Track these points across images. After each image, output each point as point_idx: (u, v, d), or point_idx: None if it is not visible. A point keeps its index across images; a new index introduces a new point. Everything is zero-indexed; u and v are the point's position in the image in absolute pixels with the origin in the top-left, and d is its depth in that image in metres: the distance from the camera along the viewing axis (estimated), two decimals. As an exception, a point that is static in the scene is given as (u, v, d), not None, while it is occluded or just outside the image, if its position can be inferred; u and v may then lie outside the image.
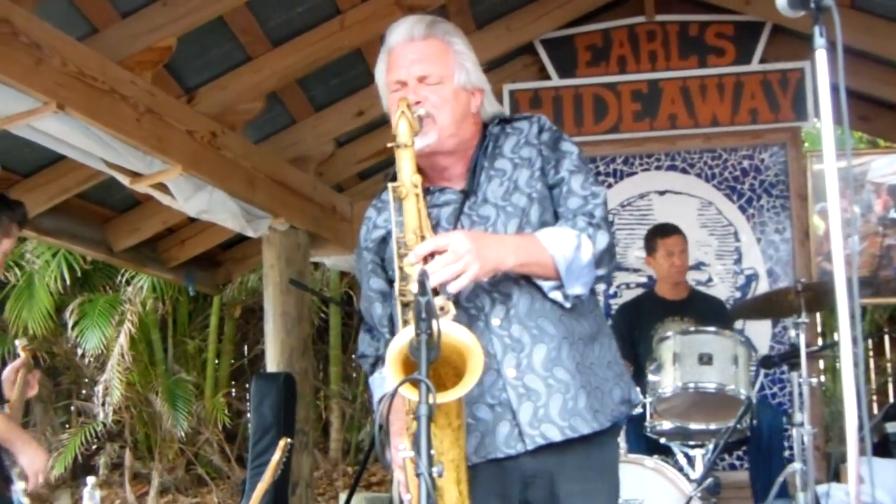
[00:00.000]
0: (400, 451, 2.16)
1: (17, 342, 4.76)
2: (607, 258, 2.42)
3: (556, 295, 2.38)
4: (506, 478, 2.39)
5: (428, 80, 2.43)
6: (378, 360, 2.59)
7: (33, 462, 3.74)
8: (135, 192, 5.38)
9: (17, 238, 4.08)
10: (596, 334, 2.49)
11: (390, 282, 2.51)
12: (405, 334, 2.10)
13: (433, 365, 2.01)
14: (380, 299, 2.58)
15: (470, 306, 2.37)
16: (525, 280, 2.38)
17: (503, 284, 2.37)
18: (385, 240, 2.53)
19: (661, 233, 5.64)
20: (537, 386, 2.35)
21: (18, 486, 3.74)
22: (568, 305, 2.39)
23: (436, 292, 2.14)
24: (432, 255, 2.18)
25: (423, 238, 2.24)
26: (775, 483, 4.61)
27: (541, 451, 2.35)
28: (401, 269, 2.26)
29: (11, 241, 3.97)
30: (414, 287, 2.09)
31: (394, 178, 2.46)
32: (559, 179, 2.47)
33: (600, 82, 6.75)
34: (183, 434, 9.55)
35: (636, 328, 5.49)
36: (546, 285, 2.37)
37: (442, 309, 2.17)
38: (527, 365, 2.36)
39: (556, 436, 2.34)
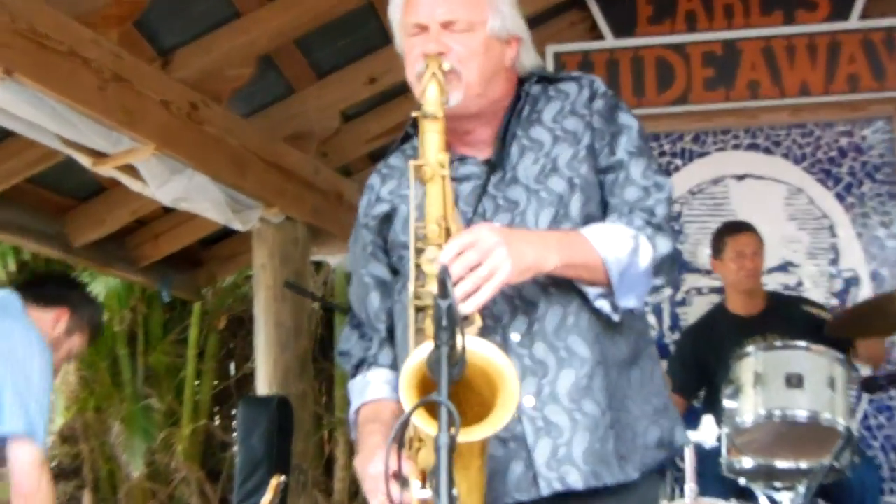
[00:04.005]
0: (416, 492, 2.09)
1: None
2: (668, 266, 2.38)
3: (604, 304, 2.32)
4: None
5: (455, 27, 2.36)
6: (364, 362, 2.56)
7: None
8: (98, 177, 5.41)
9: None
10: (635, 357, 2.44)
11: (393, 269, 2.50)
12: (423, 350, 2.02)
13: (455, 388, 1.94)
14: (378, 288, 2.54)
15: (485, 314, 2.20)
16: (554, 287, 2.32)
17: (527, 290, 2.30)
18: (389, 217, 2.50)
19: (730, 230, 5.62)
20: (560, 420, 2.29)
21: None
22: (616, 318, 2.34)
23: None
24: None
25: (447, 231, 2.18)
26: None
27: (559, 499, 2.28)
28: (417, 266, 2.19)
29: (82, 339, 4.36)
30: (433, 288, 2.04)
31: (405, 139, 2.54)
32: (615, 162, 2.41)
33: (665, 43, 6.73)
34: (148, 472, 9.58)
35: (710, 355, 5.43)
36: (592, 292, 2.32)
37: (466, 319, 2.10)
38: (549, 393, 2.29)
39: (576, 482, 2.27)
